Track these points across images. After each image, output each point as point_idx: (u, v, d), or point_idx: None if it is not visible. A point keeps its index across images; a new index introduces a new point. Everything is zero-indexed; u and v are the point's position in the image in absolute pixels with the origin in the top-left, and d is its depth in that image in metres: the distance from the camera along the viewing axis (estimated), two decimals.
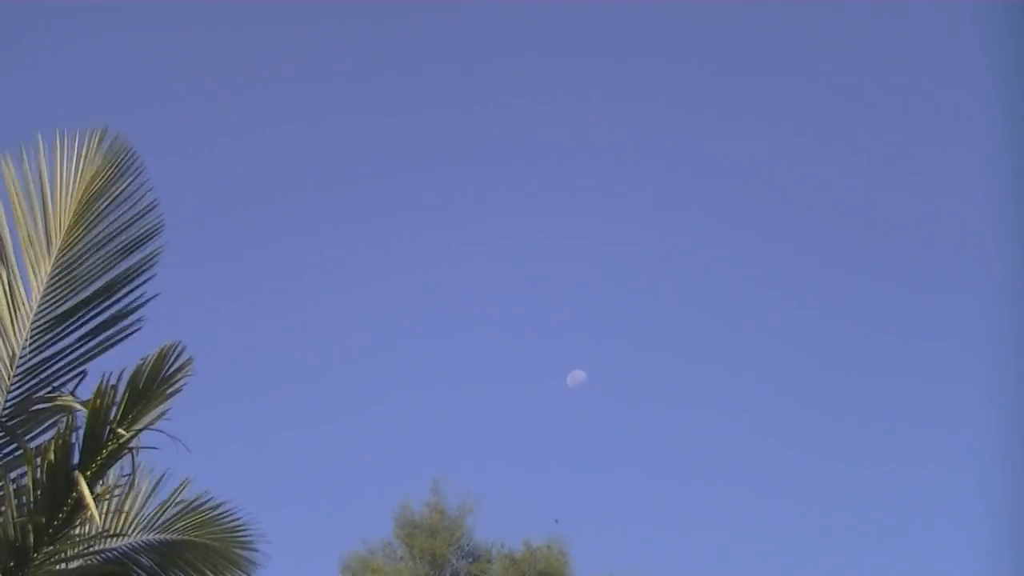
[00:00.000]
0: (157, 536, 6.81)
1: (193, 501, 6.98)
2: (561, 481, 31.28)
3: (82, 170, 6.87)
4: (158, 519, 6.85)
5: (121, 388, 5.79)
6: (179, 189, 26.21)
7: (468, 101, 31.54)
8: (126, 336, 6.67)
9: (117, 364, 6.31)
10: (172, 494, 6.90)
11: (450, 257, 32.58)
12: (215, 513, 7.00)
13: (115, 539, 6.66)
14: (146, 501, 6.89)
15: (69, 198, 6.80)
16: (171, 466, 6.85)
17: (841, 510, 28.79)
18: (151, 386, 5.93)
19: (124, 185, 6.97)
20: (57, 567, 5.91)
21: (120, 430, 5.88)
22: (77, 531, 6.24)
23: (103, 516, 6.61)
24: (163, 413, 6.06)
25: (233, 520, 7.09)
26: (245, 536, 7.13)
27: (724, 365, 32.77)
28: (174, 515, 6.89)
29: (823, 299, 32.23)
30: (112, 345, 6.64)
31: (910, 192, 30.23)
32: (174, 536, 6.86)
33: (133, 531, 6.77)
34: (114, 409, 5.85)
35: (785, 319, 31.86)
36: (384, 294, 33.04)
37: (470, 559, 23.25)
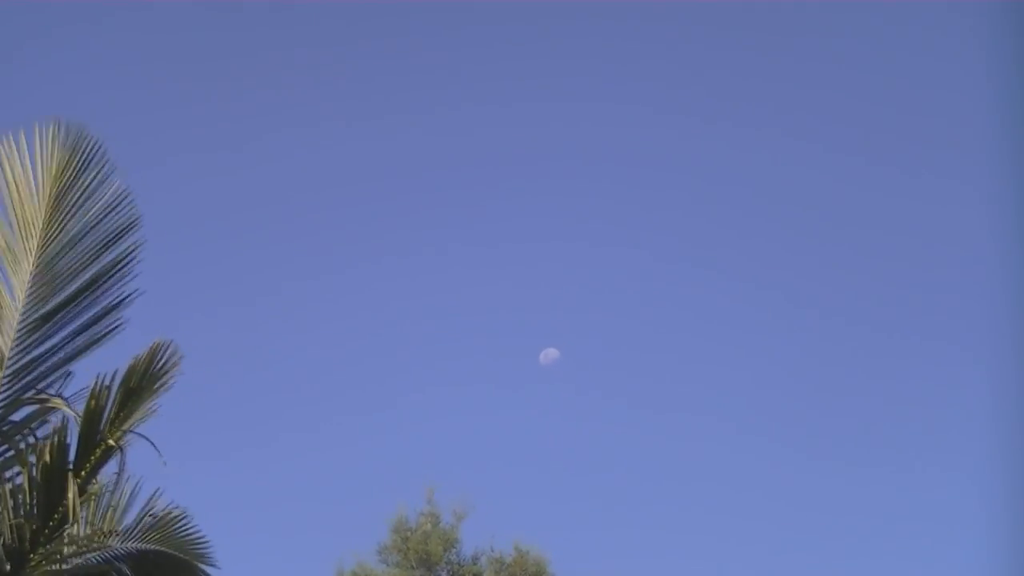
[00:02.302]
0: (135, 545, 6.97)
1: (163, 512, 7.14)
2: (553, 482, 31.42)
3: (47, 165, 6.93)
4: (136, 529, 7.02)
5: (114, 388, 6.02)
6: (184, 192, 26.46)
7: (463, 103, 31.67)
8: (112, 333, 6.82)
9: (107, 363, 6.39)
10: (145, 505, 7.05)
11: (440, 261, 32.71)
12: (179, 524, 7.15)
13: (105, 538, 6.74)
14: (125, 509, 7.05)
15: (40, 195, 6.89)
16: (152, 471, 6.94)
17: (840, 512, 28.98)
18: (142, 384, 6.09)
19: (93, 176, 7.04)
20: (53, 567, 5.99)
21: (112, 430, 5.96)
22: (71, 531, 6.32)
23: (92, 515, 6.69)
24: (153, 410, 6.16)
25: (196, 533, 7.22)
26: (204, 548, 7.25)
27: (721, 366, 32.97)
28: (148, 525, 7.07)
29: (823, 299, 32.43)
30: (98, 342, 6.80)
31: (910, 193, 30.46)
32: (145, 545, 7.01)
33: (113, 539, 6.93)
34: (108, 409, 5.97)
35: (783, 319, 32.06)
36: (377, 297, 33.13)
37: (462, 563, 23.33)
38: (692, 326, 32.99)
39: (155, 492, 6.99)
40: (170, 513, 7.06)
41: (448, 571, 23.25)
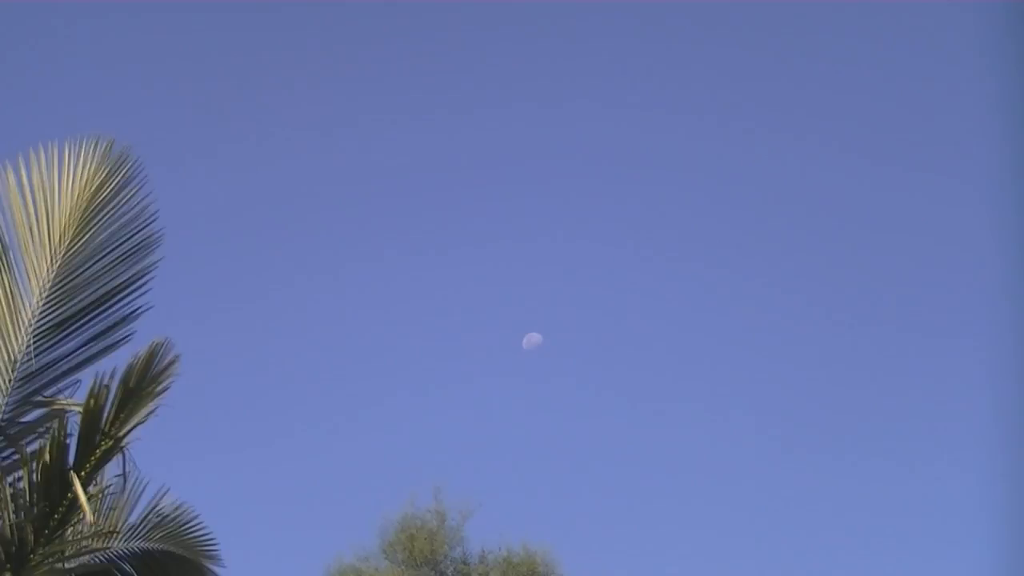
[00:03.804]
0: (139, 544, 6.98)
1: (170, 511, 7.14)
2: (558, 481, 31.49)
3: (85, 180, 7.07)
4: (140, 528, 7.03)
5: (114, 387, 6.07)
6: (179, 192, 26.66)
7: (458, 105, 31.81)
8: (121, 344, 6.90)
9: (108, 361, 6.40)
10: (151, 503, 7.06)
11: (432, 260, 32.85)
12: (185, 523, 7.15)
13: (108, 538, 6.77)
14: (130, 509, 7.06)
15: (72, 207, 7.01)
16: (157, 471, 6.99)
17: (840, 507, 29.00)
18: (141, 384, 6.17)
19: (126, 196, 7.19)
20: (54, 567, 6.04)
21: (112, 430, 6.00)
22: (72, 531, 6.36)
23: (96, 515, 6.71)
24: (154, 410, 6.19)
25: (203, 532, 7.24)
26: (211, 548, 7.27)
27: (725, 362, 33.01)
28: (153, 524, 7.07)
29: (824, 296, 32.43)
30: (108, 352, 6.89)
31: (912, 191, 30.47)
32: (150, 544, 7.02)
33: (116, 538, 6.94)
34: (107, 408, 5.99)
35: (785, 316, 32.08)
36: (372, 298, 33.27)
37: (468, 562, 23.36)
38: (693, 323, 33.06)
39: (160, 490, 7.02)
40: (177, 512, 7.08)
41: (454, 569, 23.29)
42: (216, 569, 7.30)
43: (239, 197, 32.67)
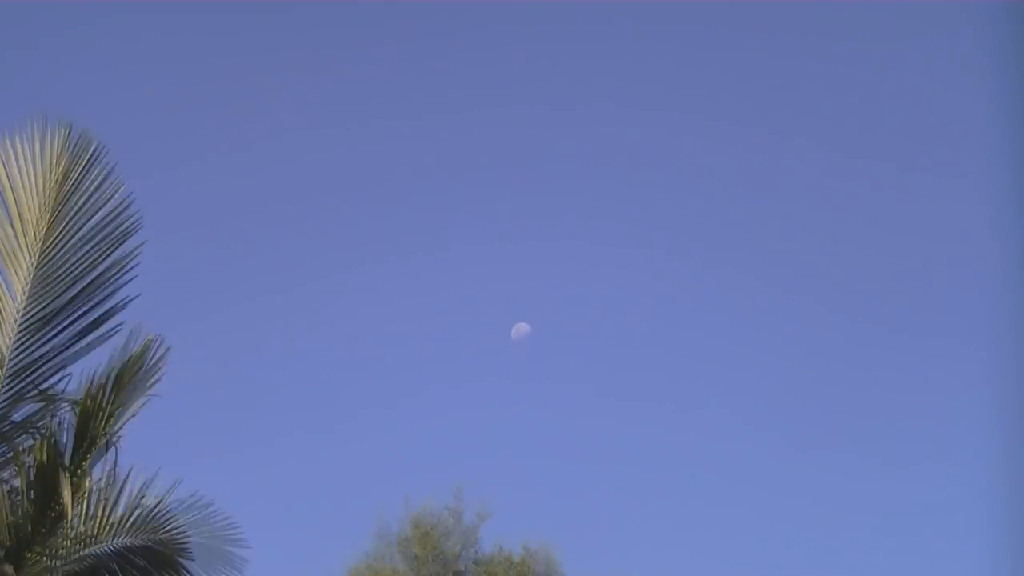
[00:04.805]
0: (124, 540, 6.88)
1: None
2: (558, 480, 31.47)
3: (51, 167, 6.92)
4: (124, 523, 6.93)
5: (109, 385, 6.12)
6: (180, 193, 26.67)
7: (447, 106, 31.73)
8: (111, 335, 6.78)
9: (100, 355, 6.40)
10: (166, 493, 7.03)
11: (434, 259, 32.84)
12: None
13: (99, 533, 6.72)
14: (117, 504, 6.95)
15: (43, 197, 6.88)
16: (163, 465, 6.94)
17: (841, 506, 28.97)
18: (134, 380, 6.16)
19: (96, 180, 7.03)
20: (49, 563, 6.06)
21: (106, 426, 6.03)
22: (65, 527, 6.36)
23: (85, 512, 6.67)
24: (145, 403, 6.20)
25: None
26: (235, 534, 7.25)
27: (726, 362, 32.97)
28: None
29: (825, 296, 32.41)
30: (98, 344, 6.76)
31: (911, 192, 30.44)
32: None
33: (105, 534, 6.87)
34: (103, 406, 6.08)
35: (785, 315, 32.05)
36: (368, 298, 33.28)
37: (478, 562, 23.41)
38: (692, 323, 33.04)
39: (143, 485, 6.90)
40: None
41: (466, 568, 23.34)
42: (239, 552, 7.22)
43: (239, 198, 32.60)
